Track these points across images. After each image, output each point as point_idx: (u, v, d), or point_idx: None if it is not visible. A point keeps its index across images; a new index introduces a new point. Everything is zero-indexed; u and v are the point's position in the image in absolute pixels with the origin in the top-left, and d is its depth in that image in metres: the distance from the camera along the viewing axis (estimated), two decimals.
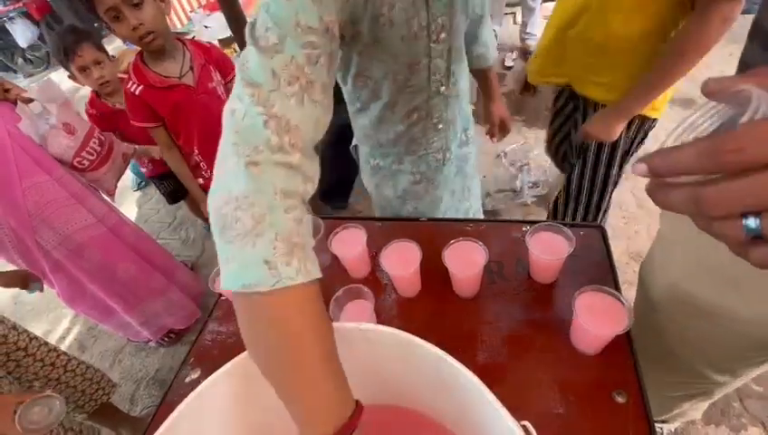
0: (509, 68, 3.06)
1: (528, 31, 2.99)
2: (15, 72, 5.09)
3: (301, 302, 0.36)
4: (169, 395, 0.71)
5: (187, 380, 0.72)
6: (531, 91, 2.70)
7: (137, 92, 1.24)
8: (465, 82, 0.87)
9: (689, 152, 0.22)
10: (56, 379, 1.18)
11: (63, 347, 1.96)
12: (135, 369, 1.79)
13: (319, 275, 0.39)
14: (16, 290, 1.50)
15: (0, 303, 2.31)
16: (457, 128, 0.92)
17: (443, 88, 0.78)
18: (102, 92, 1.60)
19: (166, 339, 1.81)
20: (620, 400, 0.55)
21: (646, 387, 0.56)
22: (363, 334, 0.36)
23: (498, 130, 1.21)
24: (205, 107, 1.33)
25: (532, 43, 3.05)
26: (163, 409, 0.69)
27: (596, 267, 0.72)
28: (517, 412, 0.56)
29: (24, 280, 1.30)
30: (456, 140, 0.95)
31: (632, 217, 1.83)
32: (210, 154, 1.42)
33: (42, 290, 1.34)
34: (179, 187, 1.70)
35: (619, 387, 0.57)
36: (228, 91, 1.35)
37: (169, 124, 1.35)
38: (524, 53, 3.10)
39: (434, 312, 0.72)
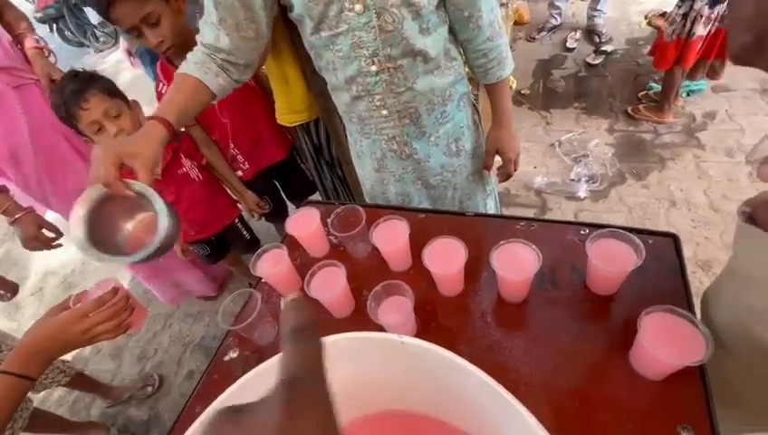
0: (571, 50, 2.83)
1: (598, 8, 2.72)
2: (88, 47, 5.47)
3: None
4: (211, 369, 0.73)
5: (226, 358, 0.74)
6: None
7: (165, 92, 1.25)
8: (440, 83, 0.85)
9: None
10: None
11: None
12: (183, 334, 1.92)
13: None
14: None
15: (72, 261, 2.56)
16: (427, 128, 0.90)
17: (373, 67, 0.79)
18: None
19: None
20: None
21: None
22: (404, 348, 0.33)
23: (492, 163, 1.03)
24: (235, 98, 1.32)
25: (601, 22, 2.78)
26: (204, 384, 0.72)
27: (664, 281, 0.64)
28: None
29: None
30: (427, 141, 0.93)
31: (703, 220, 1.65)
32: (244, 145, 1.42)
33: (10, 299, 1.32)
34: (218, 249, 1.63)
35: (686, 422, 0.50)
36: (255, 76, 1.33)
37: (202, 119, 1.34)
38: (590, 34, 2.85)
39: (476, 314, 0.68)
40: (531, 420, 0.25)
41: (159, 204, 0.59)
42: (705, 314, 0.67)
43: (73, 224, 0.57)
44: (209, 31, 0.76)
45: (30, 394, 1.28)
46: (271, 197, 1.63)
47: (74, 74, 1.14)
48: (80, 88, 1.09)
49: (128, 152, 0.61)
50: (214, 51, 0.77)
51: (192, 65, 0.76)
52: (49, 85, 1.24)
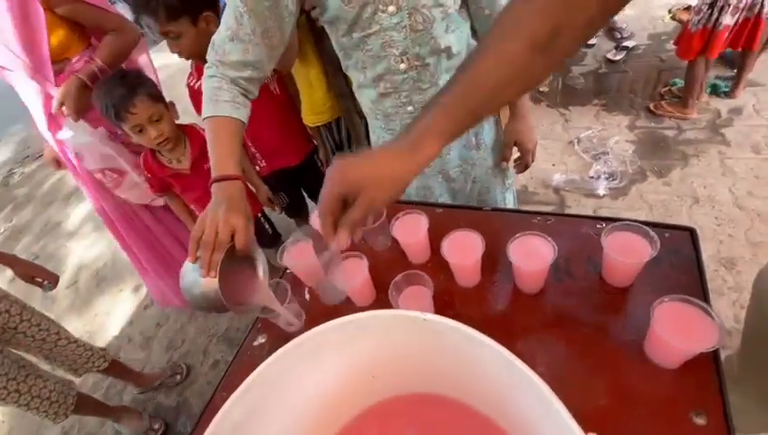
0: (590, 46, 2.79)
1: None
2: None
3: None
4: (239, 356, 0.78)
5: (255, 343, 0.79)
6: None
7: (196, 87, 1.31)
8: None
9: None
10: (49, 349, 1.31)
11: (149, 300, 2.23)
12: (209, 325, 1.99)
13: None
14: (118, 244, 1.72)
15: (103, 255, 2.69)
16: None
17: (402, 65, 0.82)
18: (161, 150, 1.32)
19: None
20: (700, 421, 0.50)
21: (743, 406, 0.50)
22: (426, 325, 0.36)
23: (510, 155, 1.05)
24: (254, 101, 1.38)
25: (620, 18, 2.74)
26: (234, 367, 0.77)
27: (681, 274, 0.65)
28: (580, 422, 0.54)
29: (43, 274, 1.33)
30: None
31: (727, 217, 1.62)
32: (261, 144, 1.48)
33: (52, 290, 1.36)
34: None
35: (699, 407, 0.52)
36: (280, 84, 1.38)
37: None
38: (610, 30, 2.80)
39: (493, 304, 0.70)
40: (553, 399, 0.27)
41: (262, 257, 0.70)
42: (758, 297, 0.70)
43: (212, 284, 0.61)
44: (235, 47, 0.75)
45: (72, 377, 1.38)
46: (288, 194, 1.68)
47: (122, 75, 1.18)
48: (128, 93, 1.14)
49: (250, 217, 0.70)
50: (240, 68, 0.76)
51: (226, 105, 0.76)
52: (58, 110, 1.22)
